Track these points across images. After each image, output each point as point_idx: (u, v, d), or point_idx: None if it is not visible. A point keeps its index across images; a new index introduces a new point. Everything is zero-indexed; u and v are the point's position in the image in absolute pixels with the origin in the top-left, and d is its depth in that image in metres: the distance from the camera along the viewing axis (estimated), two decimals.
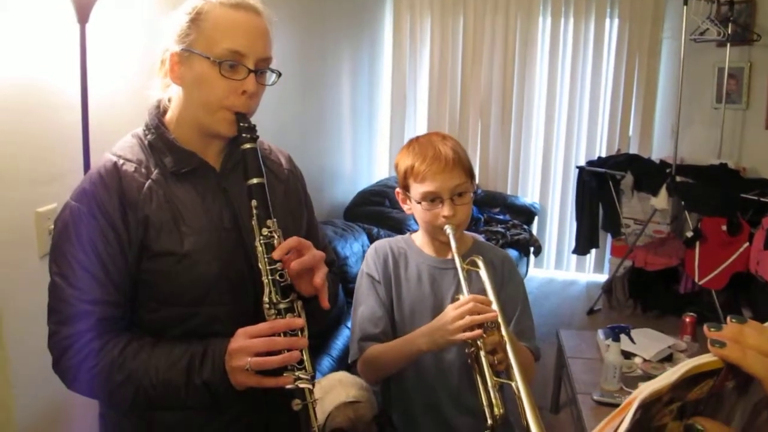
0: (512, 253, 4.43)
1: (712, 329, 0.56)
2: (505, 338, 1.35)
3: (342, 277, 3.23)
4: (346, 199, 4.82)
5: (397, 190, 1.67)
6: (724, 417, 0.58)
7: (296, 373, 1.16)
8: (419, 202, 1.57)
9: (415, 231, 1.74)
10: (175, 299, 1.24)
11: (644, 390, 0.50)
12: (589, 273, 5.58)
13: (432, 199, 1.56)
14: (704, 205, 4.25)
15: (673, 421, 0.54)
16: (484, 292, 1.46)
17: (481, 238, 1.78)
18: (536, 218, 5.38)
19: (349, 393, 1.96)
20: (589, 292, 5.22)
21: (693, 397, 0.54)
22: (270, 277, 1.18)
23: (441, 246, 1.63)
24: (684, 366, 0.52)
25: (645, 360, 2.93)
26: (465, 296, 1.42)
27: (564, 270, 5.66)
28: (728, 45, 4.52)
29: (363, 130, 5.32)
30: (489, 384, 1.31)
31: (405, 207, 1.66)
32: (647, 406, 0.51)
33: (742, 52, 4.68)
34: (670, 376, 0.51)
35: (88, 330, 1.19)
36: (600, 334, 3.21)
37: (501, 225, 4.88)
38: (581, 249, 5.10)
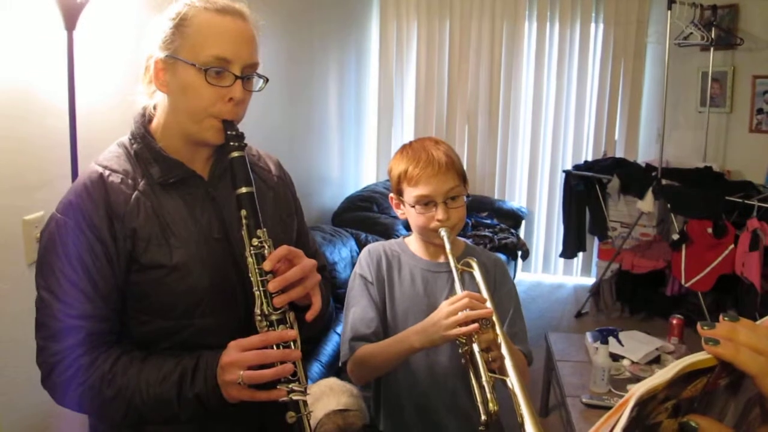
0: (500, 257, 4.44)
1: (706, 327, 0.57)
2: (500, 336, 1.34)
3: (330, 283, 3.22)
4: (334, 204, 4.81)
5: (391, 195, 1.67)
6: (717, 413, 0.58)
7: (290, 386, 1.14)
8: (413, 206, 1.57)
9: (407, 235, 1.74)
10: (166, 311, 1.22)
11: (640, 387, 0.51)
12: (576, 276, 5.61)
13: (426, 202, 1.56)
14: (690, 208, 4.29)
15: (668, 418, 0.55)
16: (478, 292, 1.45)
17: (469, 242, 1.79)
18: (523, 222, 5.40)
19: (340, 401, 1.94)
20: (576, 295, 5.24)
21: (687, 394, 0.55)
22: (261, 289, 1.16)
23: (434, 249, 1.63)
24: (679, 364, 0.52)
25: (633, 362, 2.94)
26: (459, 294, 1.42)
27: (551, 273, 5.69)
28: (712, 49, 4.59)
29: (350, 135, 5.32)
30: (483, 379, 1.29)
31: (398, 212, 1.66)
32: (643, 404, 0.51)
33: (725, 56, 4.76)
34: (665, 374, 0.51)
35: (76, 345, 1.16)
36: (588, 336, 3.22)
37: (488, 229, 4.89)
38: (568, 252, 5.12)
